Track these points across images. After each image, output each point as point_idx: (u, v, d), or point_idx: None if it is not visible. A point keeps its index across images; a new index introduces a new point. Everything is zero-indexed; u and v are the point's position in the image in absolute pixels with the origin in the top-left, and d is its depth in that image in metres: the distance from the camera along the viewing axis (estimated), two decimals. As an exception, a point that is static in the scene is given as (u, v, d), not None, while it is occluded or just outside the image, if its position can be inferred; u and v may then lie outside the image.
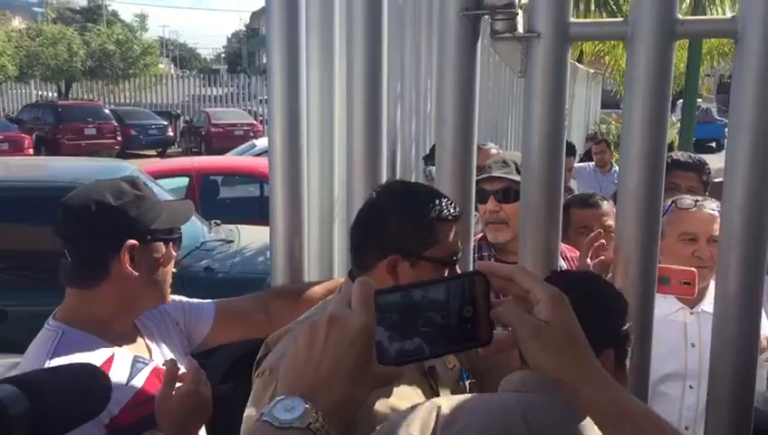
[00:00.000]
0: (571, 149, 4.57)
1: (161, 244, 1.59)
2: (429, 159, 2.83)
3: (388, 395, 1.36)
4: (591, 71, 15.03)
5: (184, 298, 1.81)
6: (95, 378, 1.07)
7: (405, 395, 1.38)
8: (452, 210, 1.48)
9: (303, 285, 1.91)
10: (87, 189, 1.55)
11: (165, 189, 5.13)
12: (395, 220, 1.43)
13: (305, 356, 0.81)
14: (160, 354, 1.64)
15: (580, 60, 13.00)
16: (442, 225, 1.45)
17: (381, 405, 1.34)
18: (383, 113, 1.87)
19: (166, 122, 22.20)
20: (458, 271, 1.54)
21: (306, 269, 1.96)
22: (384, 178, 1.90)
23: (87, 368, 1.12)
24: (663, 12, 1.55)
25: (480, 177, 2.26)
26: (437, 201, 1.47)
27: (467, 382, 1.63)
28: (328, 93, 2.00)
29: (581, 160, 7.82)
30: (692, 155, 2.86)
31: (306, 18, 1.91)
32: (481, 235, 2.44)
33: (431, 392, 1.46)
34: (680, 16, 1.58)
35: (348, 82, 1.87)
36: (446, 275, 1.48)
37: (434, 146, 1.97)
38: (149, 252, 1.57)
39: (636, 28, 1.58)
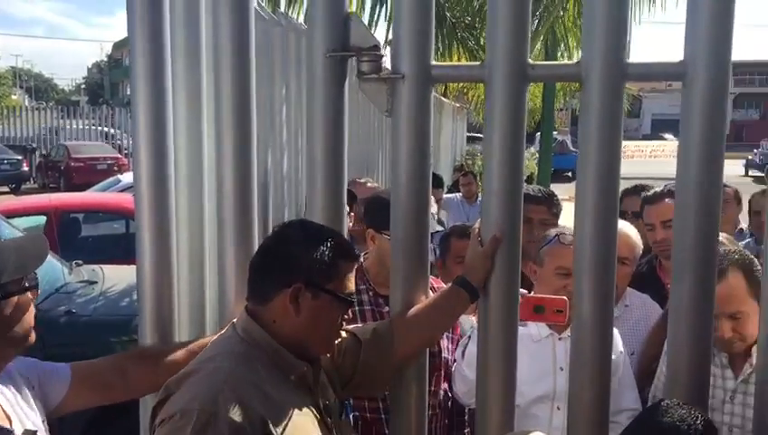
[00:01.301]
0: (438, 182, 4.73)
1: (13, 298, 1.43)
2: None
3: (293, 433, 1.39)
4: (457, 105, 15.65)
5: (38, 361, 1.68)
6: None
7: (308, 433, 1.44)
8: (353, 252, 1.58)
9: (165, 348, 1.83)
10: None
11: (19, 229, 4.81)
12: (302, 250, 1.49)
13: None
14: (19, 422, 1.52)
15: (445, 94, 13.51)
16: (345, 262, 1.53)
17: None
18: (253, 152, 1.87)
19: (20, 157, 20.79)
20: (350, 314, 1.61)
21: (176, 316, 1.90)
22: (255, 217, 1.89)
23: None
24: (516, 57, 1.67)
25: None
26: (342, 239, 1.58)
27: (351, 416, 1.68)
28: (196, 130, 1.97)
29: (450, 191, 8.11)
30: (542, 189, 3.04)
31: (172, 54, 1.88)
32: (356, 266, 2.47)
33: (326, 429, 1.52)
34: (531, 61, 1.70)
35: (216, 121, 1.85)
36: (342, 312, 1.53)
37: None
38: (1, 310, 1.42)
39: (492, 72, 1.68)
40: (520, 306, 1.94)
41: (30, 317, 1.51)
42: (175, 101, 1.90)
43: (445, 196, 7.02)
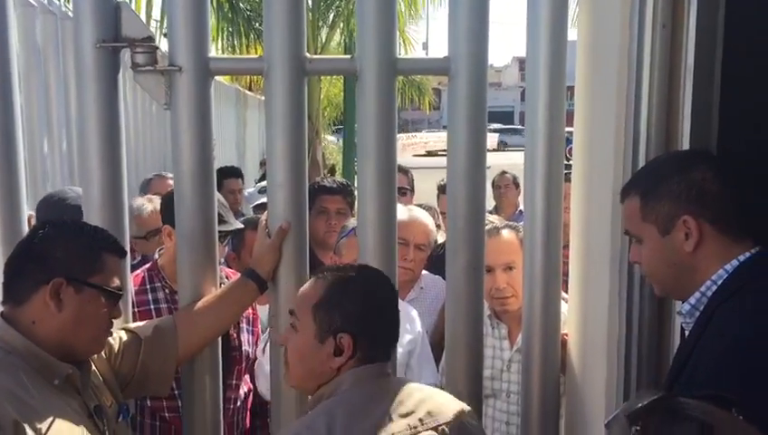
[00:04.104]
0: (236, 172, 4.70)
1: None
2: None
3: None
4: (262, 98, 15.50)
5: None
6: None
7: None
8: (119, 246, 1.54)
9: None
10: None
11: None
12: (61, 246, 1.44)
13: None
14: None
15: (250, 87, 13.33)
16: (110, 256, 1.49)
17: None
18: (17, 144, 1.74)
19: None
20: (121, 309, 1.56)
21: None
22: (24, 213, 1.78)
23: None
24: (293, 51, 1.70)
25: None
26: (105, 234, 1.53)
27: (128, 419, 1.63)
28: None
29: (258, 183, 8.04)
30: (336, 179, 3.17)
31: None
32: (151, 264, 2.40)
33: (97, 431, 1.46)
34: (309, 55, 1.74)
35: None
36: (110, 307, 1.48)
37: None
38: None
39: (271, 65, 1.71)
40: None
41: None
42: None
43: (249, 190, 6.95)
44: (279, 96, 1.72)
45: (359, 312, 1.40)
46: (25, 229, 1.75)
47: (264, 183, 6.30)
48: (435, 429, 1.37)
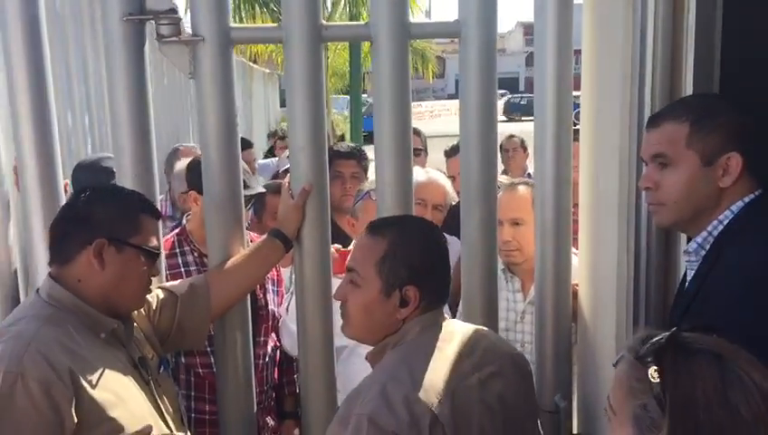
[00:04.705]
0: (249, 144, 4.81)
1: None
2: None
3: (106, 384, 1.43)
4: (267, 71, 15.49)
5: None
6: None
7: (123, 383, 1.49)
8: (155, 208, 1.63)
9: None
10: None
11: None
12: (101, 208, 1.52)
13: None
14: None
15: (255, 61, 13.34)
16: (147, 217, 1.58)
17: (102, 392, 1.42)
18: (53, 122, 1.83)
19: None
20: (159, 268, 1.64)
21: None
22: (61, 184, 1.87)
23: None
24: (310, 18, 1.77)
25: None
26: (142, 197, 1.62)
27: (169, 370, 1.74)
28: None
29: (266, 157, 8.11)
30: (350, 145, 3.27)
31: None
32: (179, 229, 2.49)
33: (142, 380, 1.57)
34: (325, 22, 1.81)
35: (9, 88, 1.79)
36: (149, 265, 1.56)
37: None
38: None
39: (289, 33, 1.78)
40: (337, 261, 2.08)
41: None
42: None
43: (261, 161, 7.04)
44: (298, 62, 1.79)
45: (422, 263, 1.44)
46: (62, 196, 1.84)
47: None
48: (493, 364, 1.45)
